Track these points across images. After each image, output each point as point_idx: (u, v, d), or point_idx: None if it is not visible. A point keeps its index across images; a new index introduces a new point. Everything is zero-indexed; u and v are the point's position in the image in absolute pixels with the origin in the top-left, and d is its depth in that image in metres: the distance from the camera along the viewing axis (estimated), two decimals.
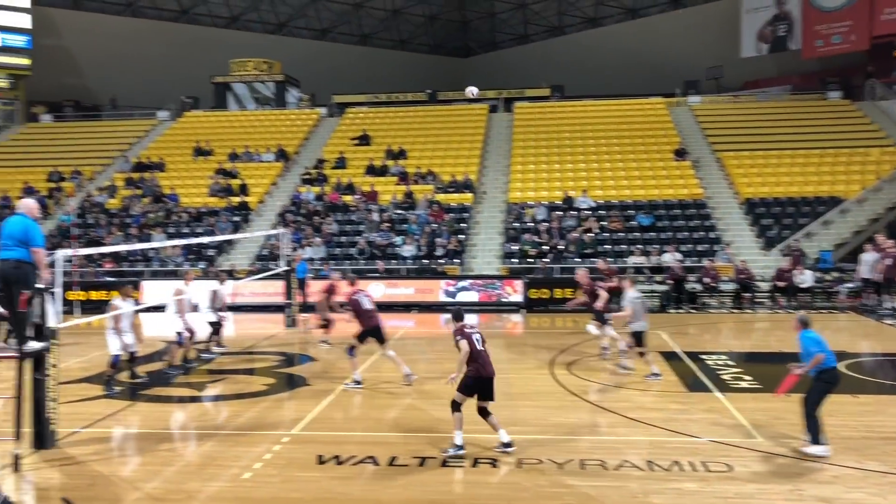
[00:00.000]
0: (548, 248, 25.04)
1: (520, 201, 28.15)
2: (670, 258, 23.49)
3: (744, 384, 12.42)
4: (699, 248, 24.98)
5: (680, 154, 30.26)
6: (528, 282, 22.90)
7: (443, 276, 24.01)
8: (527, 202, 28.01)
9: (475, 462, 8.61)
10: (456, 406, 8.75)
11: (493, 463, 8.59)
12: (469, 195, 28.82)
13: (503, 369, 13.95)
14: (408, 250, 25.41)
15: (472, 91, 17.73)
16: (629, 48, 47.90)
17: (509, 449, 8.74)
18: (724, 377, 12.88)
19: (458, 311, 9.38)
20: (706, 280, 22.77)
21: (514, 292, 22.91)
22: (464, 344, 8.72)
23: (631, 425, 10.15)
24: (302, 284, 21.18)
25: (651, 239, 25.50)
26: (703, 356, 14.75)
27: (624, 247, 25.23)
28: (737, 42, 42.64)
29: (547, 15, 55.50)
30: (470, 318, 19.96)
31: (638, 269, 23.80)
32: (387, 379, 13.08)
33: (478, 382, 8.68)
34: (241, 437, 9.80)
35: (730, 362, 14.24)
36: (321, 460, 8.76)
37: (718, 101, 37.42)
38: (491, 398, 8.77)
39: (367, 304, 12.64)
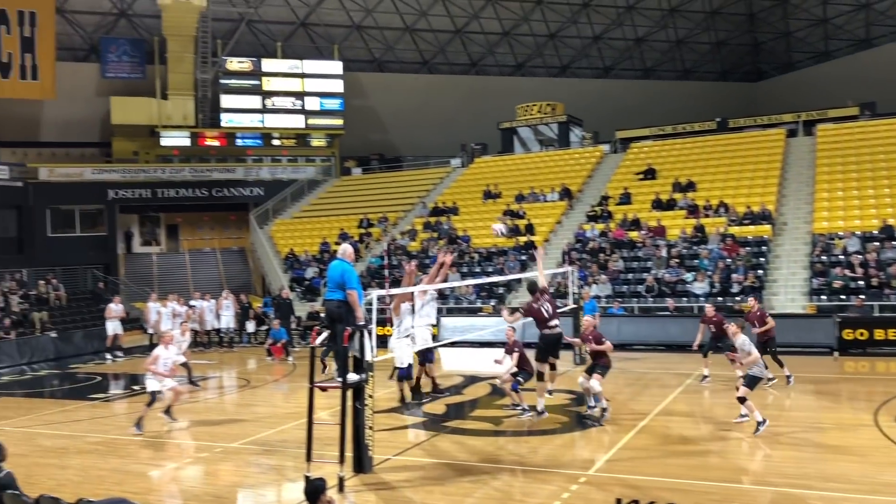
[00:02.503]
0: (863, 283, 22.46)
1: (827, 232, 25.62)
2: None
3: None
4: None
5: None
6: (842, 321, 20.64)
7: (739, 314, 22.47)
8: (836, 233, 25.41)
9: None
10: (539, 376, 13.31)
11: None
12: (767, 227, 26.86)
13: (816, 418, 12.75)
14: (699, 287, 24.26)
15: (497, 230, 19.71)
16: None
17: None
18: None
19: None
20: None
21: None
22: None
23: None
24: None
25: None
26: None
27: None
28: None
29: (852, 28, 50.62)
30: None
31: None
32: (680, 423, 12.51)
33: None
34: (538, 473, 9.92)
35: None
36: None
37: None
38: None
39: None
